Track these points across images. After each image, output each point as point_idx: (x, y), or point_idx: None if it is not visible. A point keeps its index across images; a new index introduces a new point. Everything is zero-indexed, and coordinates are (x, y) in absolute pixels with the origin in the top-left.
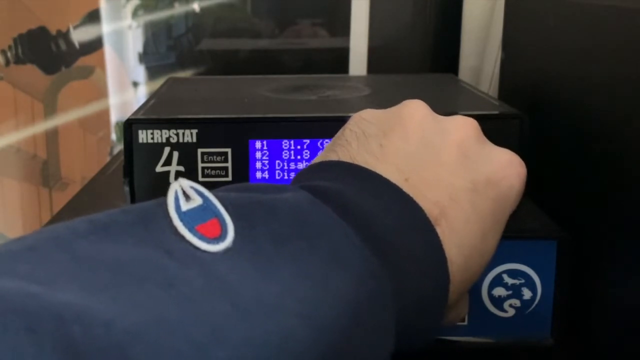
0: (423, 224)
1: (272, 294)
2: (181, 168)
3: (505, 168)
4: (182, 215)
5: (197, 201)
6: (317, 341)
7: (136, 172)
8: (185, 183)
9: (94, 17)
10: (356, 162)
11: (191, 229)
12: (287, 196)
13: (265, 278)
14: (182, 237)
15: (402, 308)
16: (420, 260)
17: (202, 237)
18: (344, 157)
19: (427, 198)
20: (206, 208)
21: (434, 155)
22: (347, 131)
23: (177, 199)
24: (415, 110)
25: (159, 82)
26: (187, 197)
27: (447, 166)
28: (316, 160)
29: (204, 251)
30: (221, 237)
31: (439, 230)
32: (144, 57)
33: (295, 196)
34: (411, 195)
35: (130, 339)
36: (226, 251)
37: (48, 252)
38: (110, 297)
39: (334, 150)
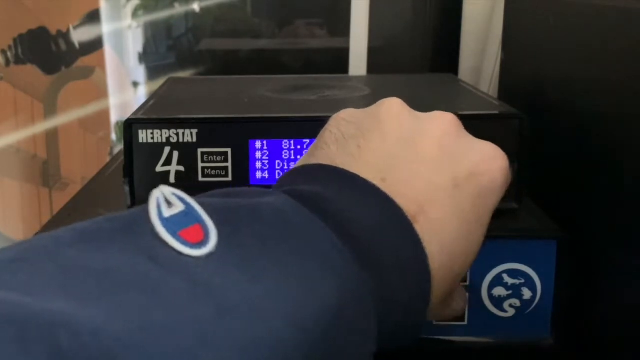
0: (401, 221)
1: (257, 296)
2: (181, 168)
3: (488, 161)
4: (165, 222)
5: (179, 207)
6: (301, 342)
7: (136, 172)
8: (166, 190)
9: (94, 17)
10: (335, 165)
11: (174, 235)
12: (270, 200)
13: (250, 281)
14: (166, 243)
15: (384, 305)
16: (400, 258)
17: (185, 242)
18: (324, 160)
19: (405, 196)
20: (188, 214)
21: (413, 153)
22: (327, 133)
23: (159, 206)
24: (392, 108)
25: (159, 82)
26: (169, 204)
27: (426, 163)
28: (297, 164)
29: (188, 256)
30: (204, 241)
31: (417, 227)
32: (144, 57)
33: (277, 200)
34: (389, 194)
35: (118, 345)
36: (209, 255)
37: (34, 262)
38: (97, 305)
39: (314, 154)
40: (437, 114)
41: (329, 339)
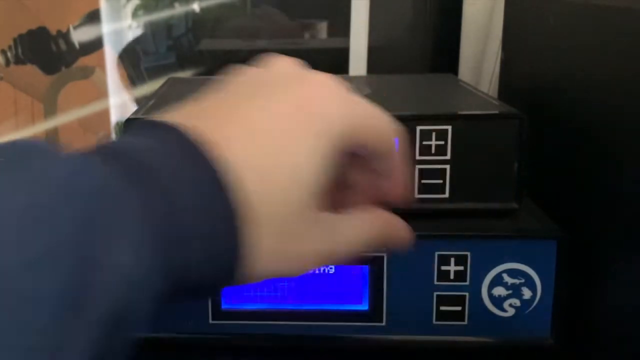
0: (191, 145)
1: None
2: None
3: (315, 86)
4: None
5: None
6: (54, 253)
7: None
8: None
9: (94, 17)
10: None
11: None
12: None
13: None
14: None
15: (177, 226)
16: (189, 177)
17: None
18: None
19: (203, 128)
20: None
21: (230, 98)
22: None
23: None
24: (241, 71)
25: (159, 82)
26: None
27: (235, 94)
28: None
29: None
30: None
31: (220, 151)
32: (144, 57)
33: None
34: (178, 125)
35: None
36: None
37: None
38: None
39: None
40: (273, 57)
41: (82, 243)
